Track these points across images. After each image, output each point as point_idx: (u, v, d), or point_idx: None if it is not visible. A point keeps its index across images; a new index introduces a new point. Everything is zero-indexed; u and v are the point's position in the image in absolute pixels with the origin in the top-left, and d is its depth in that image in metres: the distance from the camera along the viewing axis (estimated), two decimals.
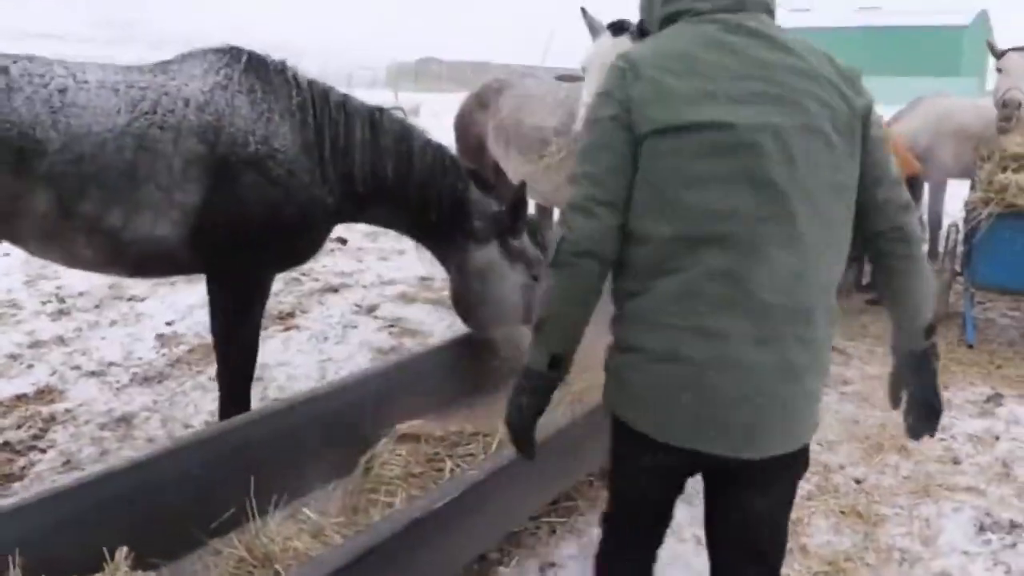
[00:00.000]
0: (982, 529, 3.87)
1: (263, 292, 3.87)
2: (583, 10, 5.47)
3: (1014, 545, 3.75)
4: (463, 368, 4.03)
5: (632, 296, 2.02)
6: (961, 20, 63.95)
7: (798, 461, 2.15)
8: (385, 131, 3.75)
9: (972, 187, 7.16)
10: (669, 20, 2.13)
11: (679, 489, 2.31)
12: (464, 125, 6.83)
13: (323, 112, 3.61)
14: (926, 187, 8.64)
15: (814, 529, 3.81)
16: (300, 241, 3.76)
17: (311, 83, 3.70)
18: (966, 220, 7.05)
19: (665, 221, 1.94)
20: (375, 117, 3.76)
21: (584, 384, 3.85)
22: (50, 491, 2.47)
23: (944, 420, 4.93)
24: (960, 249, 7.19)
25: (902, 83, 45.29)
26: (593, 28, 5.28)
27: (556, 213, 7.87)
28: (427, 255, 4.24)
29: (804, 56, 2.03)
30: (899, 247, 2.13)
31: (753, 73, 1.97)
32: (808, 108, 1.96)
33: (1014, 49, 7.41)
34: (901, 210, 2.11)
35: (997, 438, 4.88)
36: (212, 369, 5.56)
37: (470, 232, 3.87)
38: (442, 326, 6.65)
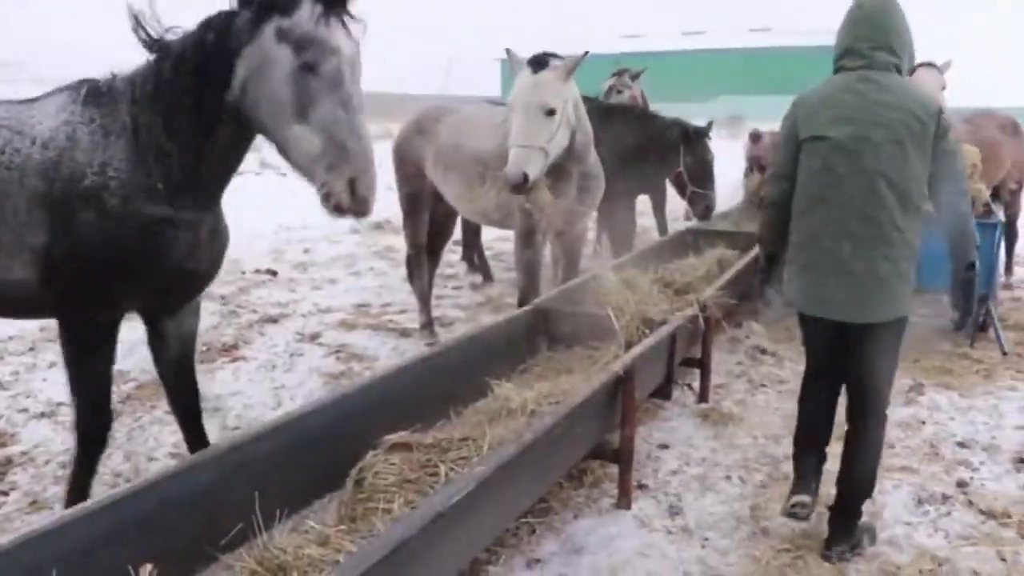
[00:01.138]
0: (920, 502, 4.22)
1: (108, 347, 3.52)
2: (507, 51, 5.66)
3: (949, 513, 4.11)
4: (443, 380, 4.16)
5: (799, 230, 3.66)
6: None
7: (886, 328, 3.54)
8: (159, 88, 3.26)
9: None
10: (836, 71, 3.64)
11: (828, 350, 3.77)
12: (402, 151, 6.99)
13: (150, 115, 3.27)
14: None
15: (771, 513, 4.08)
16: (139, 277, 3.34)
17: (141, 88, 3.32)
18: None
19: (806, 188, 3.60)
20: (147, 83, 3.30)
21: (543, 391, 4.11)
22: (77, 512, 2.55)
23: None
24: None
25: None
26: (515, 65, 5.37)
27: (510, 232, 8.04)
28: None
29: (900, 96, 3.45)
30: (947, 223, 3.61)
31: (865, 107, 3.45)
32: (893, 128, 3.39)
33: (921, 65, 7.91)
34: (955, 195, 3.56)
35: (923, 423, 5.28)
36: (163, 403, 5.60)
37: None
38: (386, 349, 6.79)
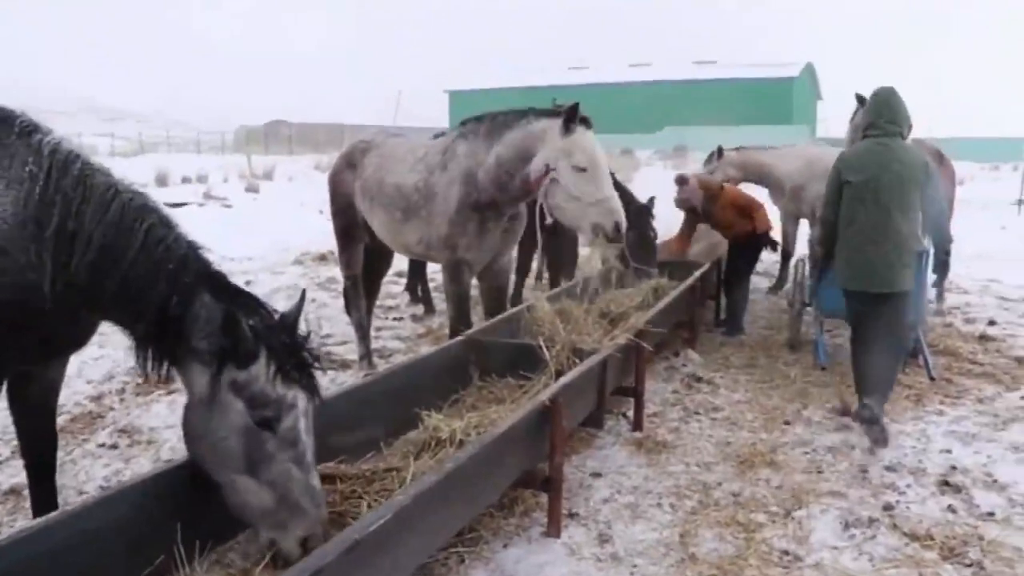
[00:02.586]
0: (847, 526, 4.27)
1: None
2: (554, 100, 5.75)
3: (874, 537, 4.17)
4: (374, 410, 4.14)
5: (842, 238, 5.59)
6: (790, 72, 68.06)
7: (903, 296, 5.51)
8: (108, 217, 2.99)
9: (813, 225, 7.86)
10: (863, 138, 5.65)
11: (864, 314, 5.59)
12: (336, 184, 7.02)
13: (57, 185, 2.99)
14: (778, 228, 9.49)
15: (700, 539, 4.12)
16: (17, 332, 3.11)
17: (54, 150, 3.07)
18: (811, 255, 7.70)
19: (847, 213, 5.53)
20: (106, 197, 3.03)
21: (473, 421, 4.12)
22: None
23: (806, 435, 5.47)
24: (808, 282, 7.82)
25: (740, 131, 47.87)
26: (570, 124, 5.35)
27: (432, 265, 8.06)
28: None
29: (908, 153, 5.50)
30: (931, 227, 6.11)
31: (880, 162, 5.43)
32: (902, 174, 5.39)
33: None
34: (934, 214, 5.93)
35: (852, 448, 5.38)
36: (97, 436, 5.55)
37: (188, 351, 2.93)
38: (325, 380, 6.71)
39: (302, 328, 3.11)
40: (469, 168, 5.81)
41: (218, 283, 3.04)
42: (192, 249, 3.09)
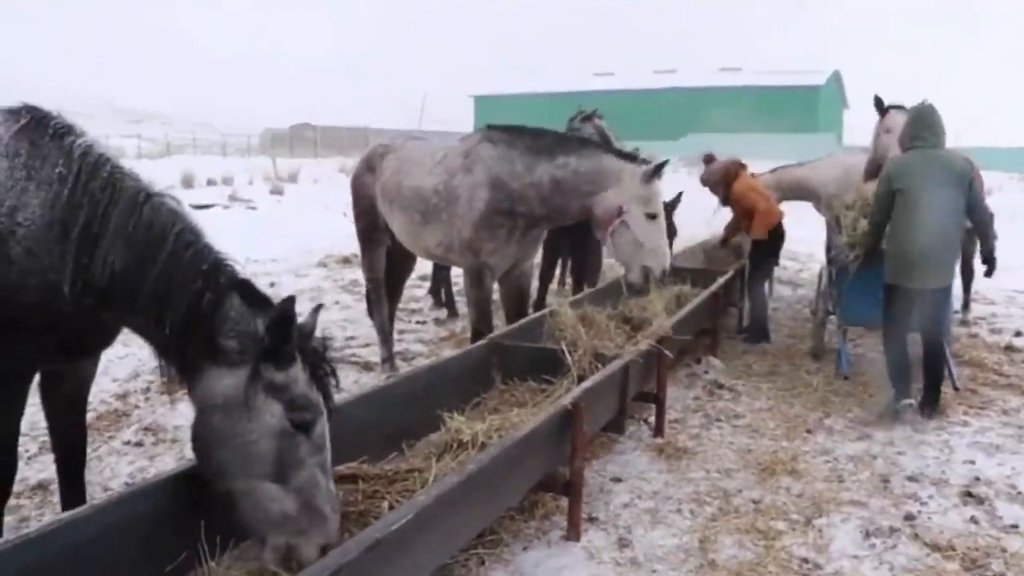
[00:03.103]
0: (867, 535, 4.27)
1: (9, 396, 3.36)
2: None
3: (895, 547, 4.16)
4: (397, 412, 4.17)
5: (898, 239, 6.06)
6: (817, 80, 67.63)
7: (949, 290, 6.25)
8: (141, 220, 3.03)
9: (835, 232, 7.83)
10: (908, 150, 6.14)
11: (907, 310, 6.06)
12: (357, 188, 7.09)
13: (85, 188, 3.04)
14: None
15: (720, 546, 4.12)
16: (42, 332, 3.19)
17: (85, 153, 3.12)
18: (832, 263, 7.68)
19: (898, 215, 6.02)
20: (137, 200, 3.07)
21: (495, 424, 4.14)
22: (16, 540, 2.55)
23: (827, 444, 5.46)
24: (831, 291, 7.79)
25: (765, 139, 47.68)
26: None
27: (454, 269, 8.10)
28: None
29: (952, 159, 6.07)
30: (980, 229, 6.31)
31: (929, 168, 5.95)
32: (947, 179, 5.93)
33: (893, 107, 8.17)
34: (982, 217, 6.18)
35: (874, 457, 5.36)
36: (123, 434, 5.62)
37: (214, 352, 2.89)
38: (348, 382, 6.77)
39: (317, 340, 3.12)
40: (499, 175, 5.88)
41: (248, 288, 3.06)
42: (220, 256, 3.11)
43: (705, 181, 9.13)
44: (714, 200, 9.37)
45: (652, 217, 5.72)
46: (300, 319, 3.03)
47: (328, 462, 2.95)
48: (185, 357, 2.97)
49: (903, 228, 6.00)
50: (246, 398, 2.82)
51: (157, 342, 3.05)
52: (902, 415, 5.97)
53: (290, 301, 2.86)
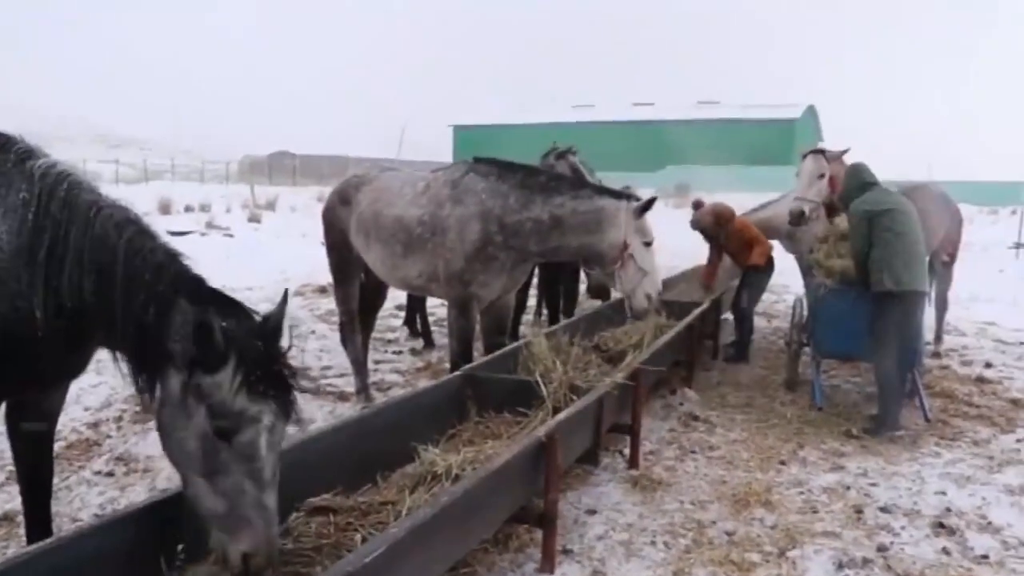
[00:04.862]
0: (840, 566, 4.28)
1: None
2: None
3: None
4: (372, 443, 4.15)
5: (891, 254, 6.56)
6: (792, 113, 68.43)
7: (925, 296, 7.13)
8: (95, 235, 3.02)
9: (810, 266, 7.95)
10: (863, 191, 6.89)
11: (898, 318, 6.60)
12: (329, 220, 7.08)
13: (46, 210, 3.03)
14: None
15: None
16: (7, 361, 3.12)
17: (44, 174, 3.10)
18: (807, 295, 7.76)
19: (888, 237, 6.57)
20: (89, 216, 3.05)
21: (469, 456, 4.14)
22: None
23: (801, 475, 5.48)
24: (805, 322, 7.86)
25: (743, 171, 48.09)
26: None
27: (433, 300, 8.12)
28: None
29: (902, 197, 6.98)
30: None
31: (896, 200, 6.81)
32: (907, 209, 6.76)
33: (812, 151, 8.41)
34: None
35: (848, 488, 5.39)
36: (94, 464, 5.56)
37: (170, 356, 2.89)
38: (323, 412, 6.76)
39: (285, 334, 3.02)
40: (491, 208, 5.94)
41: (195, 288, 3.02)
42: (169, 256, 3.09)
43: (696, 224, 9.54)
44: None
45: (648, 244, 5.99)
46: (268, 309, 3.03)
47: (263, 472, 2.80)
48: (146, 364, 2.97)
49: (896, 244, 6.55)
50: (180, 398, 2.84)
51: (126, 356, 3.05)
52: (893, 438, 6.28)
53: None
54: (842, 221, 7.51)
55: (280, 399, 2.87)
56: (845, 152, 8.49)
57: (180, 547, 2.90)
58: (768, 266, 9.32)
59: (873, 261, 6.61)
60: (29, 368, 3.24)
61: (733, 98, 75.24)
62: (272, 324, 2.99)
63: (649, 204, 6.00)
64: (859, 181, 6.96)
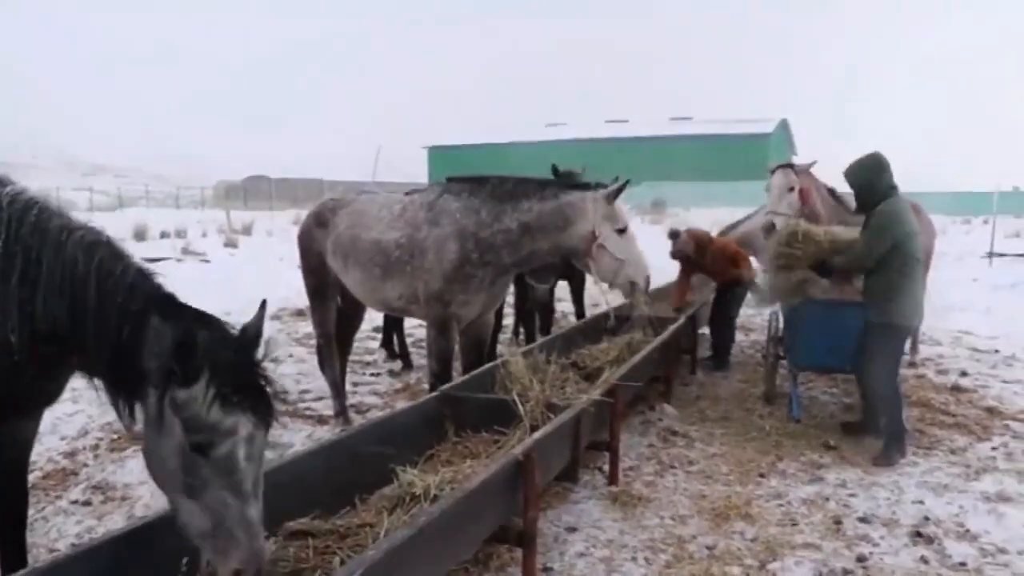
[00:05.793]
0: None
1: None
2: None
3: None
4: (350, 465, 4.14)
5: (907, 284, 6.34)
6: (765, 128, 68.84)
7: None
8: (66, 259, 3.02)
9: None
10: (886, 197, 6.39)
11: (900, 342, 6.69)
12: (304, 243, 7.08)
13: (17, 236, 3.04)
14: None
15: None
16: None
17: (12, 201, 3.12)
18: (782, 308, 7.81)
19: (908, 265, 6.33)
20: (60, 240, 3.06)
21: (447, 476, 4.13)
22: None
23: (780, 487, 5.49)
24: (781, 335, 7.91)
25: (717, 186, 48.37)
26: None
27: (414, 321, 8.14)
28: None
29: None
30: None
31: (910, 215, 6.42)
32: (912, 224, 6.35)
33: (780, 166, 8.50)
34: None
35: (827, 499, 5.42)
36: (70, 493, 5.50)
37: (146, 375, 2.88)
38: (301, 436, 6.73)
39: (262, 345, 3.01)
40: (466, 225, 5.95)
41: (167, 304, 3.00)
42: (141, 276, 3.09)
43: (677, 253, 9.74)
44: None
45: (622, 231, 5.86)
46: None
47: (243, 485, 2.77)
48: (124, 385, 2.97)
49: (908, 272, 6.29)
50: (156, 416, 2.80)
51: (104, 381, 3.04)
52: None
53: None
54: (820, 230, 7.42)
55: (258, 409, 2.83)
56: (812, 165, 8.61)
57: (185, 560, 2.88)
58: (750, 279, 9.57)
59: (881, 287, 6.35)
60: (4, 394, 3.21)
61: (706, 113, 75.84)
62: (251, 334, 2.98)
63: (620, 189, 5.92)
64: (886, 183, 6.41)
